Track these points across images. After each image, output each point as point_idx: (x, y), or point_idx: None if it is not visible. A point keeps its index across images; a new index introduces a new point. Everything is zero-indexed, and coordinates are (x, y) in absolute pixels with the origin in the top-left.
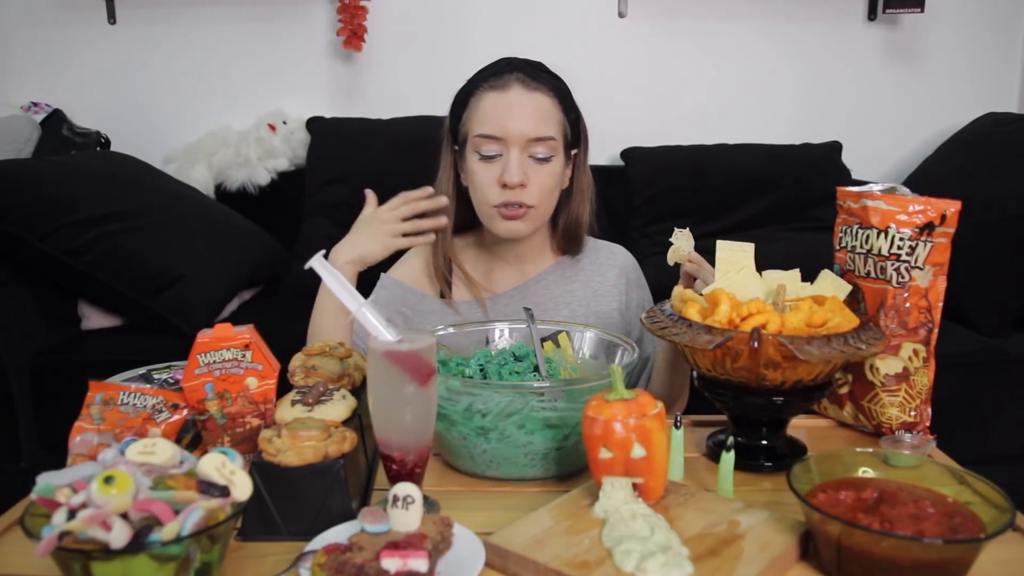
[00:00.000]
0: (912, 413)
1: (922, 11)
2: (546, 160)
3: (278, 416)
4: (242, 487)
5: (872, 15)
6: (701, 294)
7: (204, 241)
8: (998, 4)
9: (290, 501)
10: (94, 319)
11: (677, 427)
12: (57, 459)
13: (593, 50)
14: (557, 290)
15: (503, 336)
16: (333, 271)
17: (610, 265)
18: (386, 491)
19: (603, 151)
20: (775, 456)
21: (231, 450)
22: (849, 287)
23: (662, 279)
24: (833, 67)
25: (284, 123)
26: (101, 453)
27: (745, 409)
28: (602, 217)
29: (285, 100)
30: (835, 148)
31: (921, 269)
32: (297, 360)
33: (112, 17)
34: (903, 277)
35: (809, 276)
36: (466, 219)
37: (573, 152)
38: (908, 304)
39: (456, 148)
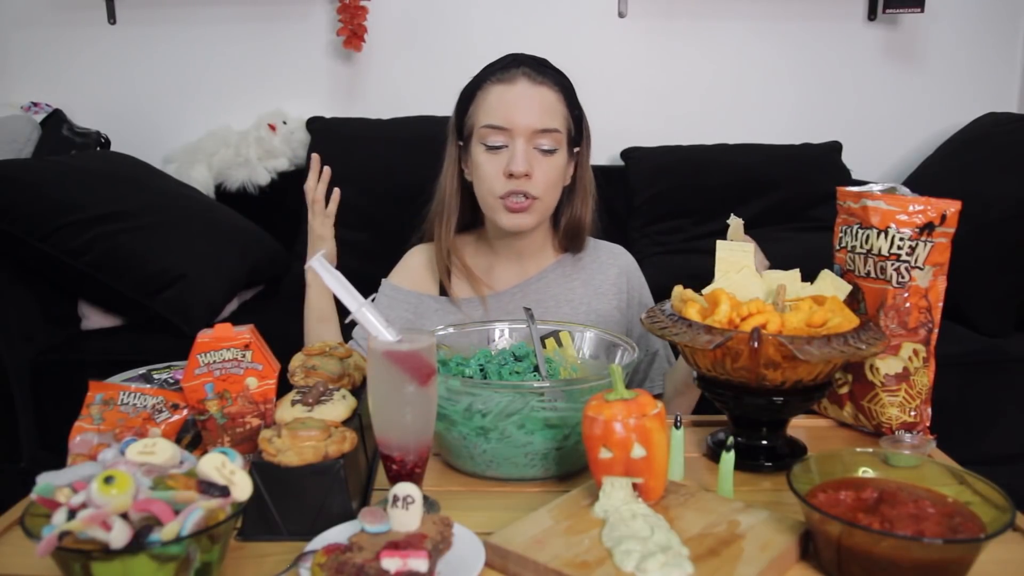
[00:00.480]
0: (912, 413)
1: (922, 11)
2: (551, 152)
3: (278, 416)
4: (242, 487)
5: (872, 15)
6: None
7: (204, 241)
8: (998, 4)
9: (290, 501)
10: (94, 319)
11: (677, 427)
12: (57, 459)
13: (593, 50)
14: (558, 288)
15: (503, 336)
16: (333, 271)
17: (611, 264)
18: (386, 491)
19: (603, 151)
20: (775, 456)
21: (231, 450)
22: (849, 287)
23: (662, 279)
24: (833, 67)
25: (284, 123)
26: (101, 453)
27: (745, 409)
28: (602, 217)
29: (285, 100)
30: (835, 148)
31: (921, 269)
32: (297, 360)
33: (112, 17)
34: (903, 277)
35: (809, 276)
36: (467, 218)
37: (576, 149)
38: (908, 304)
39: (460, 144)
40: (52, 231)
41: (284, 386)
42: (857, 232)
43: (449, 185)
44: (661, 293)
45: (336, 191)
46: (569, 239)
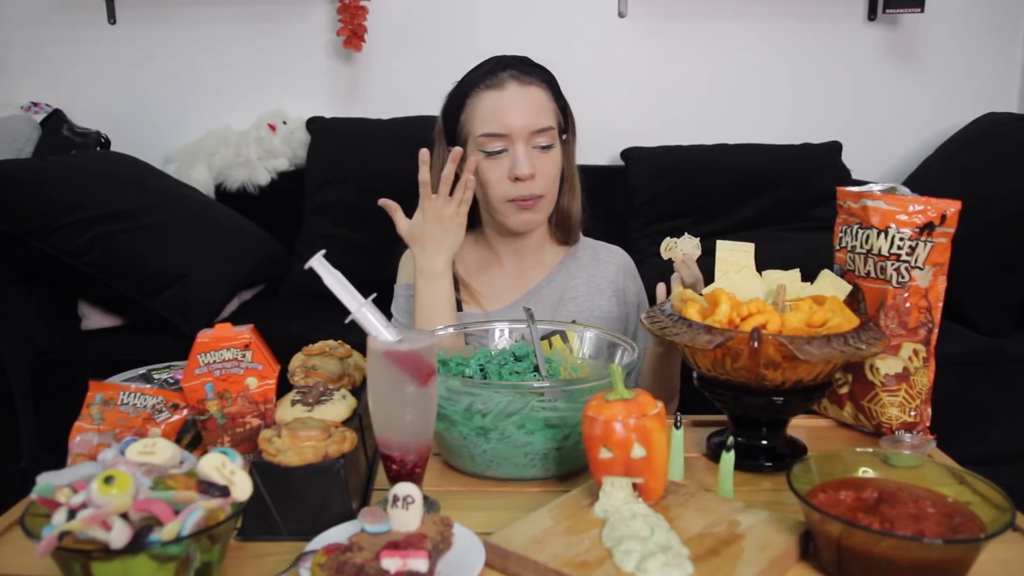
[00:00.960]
0: (912, 413)
1: (922, 11)
2: (548, 149)
3: (278, 416)
4: (242, 487)
5: (872, 15)
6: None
7: (204, 241)
8: (998, 4)
9: (290, 501)
10: (94, 319)
11: (677, 427)
12: (57, 459)
13: (593, 50)
14: (562, 288)
15: (503, 336)
16: (333, 271)
17: (609, 261)
18: (386, 491)
19: (603, 151)
20: (775, 456)
21: (231, 450)
22: (849, 287)
23: (662, 279)
24: (833, 67)
25: (284, 123)
26: (101, 453)
27: (745, 409)
28: (602, 217)
29: (285, 100)
30: (835, 148)
31: (921, 269)
32: (297, 360)
33: (112, 17)
34: (903, 277)
35: (809, 276)
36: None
37: (563, 137)
38: (908, 304)
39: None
40: (52, 231)
41: (284, 386)
42: (857, 232)
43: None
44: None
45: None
46: (561, 230)
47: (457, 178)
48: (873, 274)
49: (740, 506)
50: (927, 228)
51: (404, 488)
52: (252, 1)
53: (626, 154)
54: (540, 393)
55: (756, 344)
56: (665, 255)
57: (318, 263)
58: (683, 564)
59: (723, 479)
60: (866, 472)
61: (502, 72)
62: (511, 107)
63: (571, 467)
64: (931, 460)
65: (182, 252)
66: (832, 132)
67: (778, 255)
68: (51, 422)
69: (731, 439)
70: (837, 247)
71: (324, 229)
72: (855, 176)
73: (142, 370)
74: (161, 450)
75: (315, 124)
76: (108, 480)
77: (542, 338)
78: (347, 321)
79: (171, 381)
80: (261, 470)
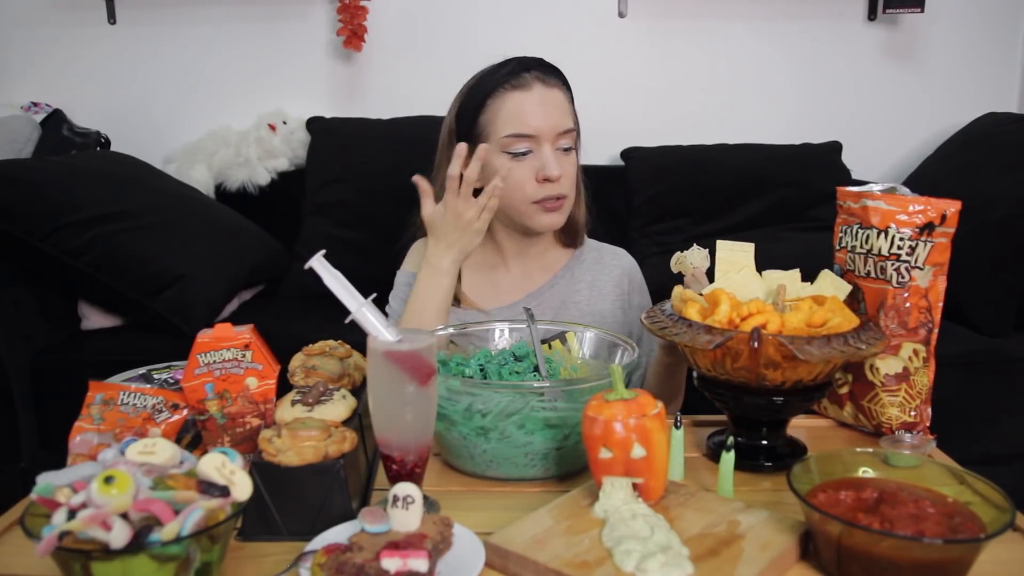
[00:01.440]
0: (912, 413)
1: (922, 11)
2: (570, 151)
3: (278, 416)
4: (242, 487)
5: (872, 15)
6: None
7: (204, 241)
8: (998, 4)
9: (290, 501)
10: (94, 319)
11: (677, 427)
12: (57, 459)
13: (593, 50)
14: (566, 292)
15: (503, 336)
16: (333, 271)
17: (614, 265)
18: (386, 491)
19: (603, 151)
20: (775, 456)
21: (231, 450)
22: (849, 287)
23: (662, 279)
24: (833, 67)
25: (284, 123)
26: (101, 453)
27: (745, 409)
28: (602, 217)
29: (285, 100)
30: (835, 148)
31: (921, 269)
32: (297, 360)
33: (112, 17)
34: (903, 277)
35: (809, 276)
36: None
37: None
38: (908, 304)
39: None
40: (52, 231)
41: (284, 386)
42: (857, 232)
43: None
44: (661, 293)
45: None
46: (567, 233)
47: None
48: (873, 274)
49: (740, 506)
50: (927, 228)
51: (404, 488)
52: (252, 1)
53: (626, 154)
54: (540, 393)
55: (756, 344)
56: (675, 269)
57: (318, 263)
58: (683, 564)
59: (723, 479)
60: (866, 472)
61: (526, 73)
62: (538, 108)
63: (571, 467)
64: (931, 460)
65: (182, 252)
66: (832, 132)
67: (778, 255)
68: (51, 422)
69: (731, 439)
70: (837, 247)
71: (324, 229)
72: (855, 176)
73: (142, 370)
74: (161, 450)
75: (315, 124)
76: (108, 480)
77: (543, 341)
78: (347, 321)
79: (171, 381)
80: (261, 470)
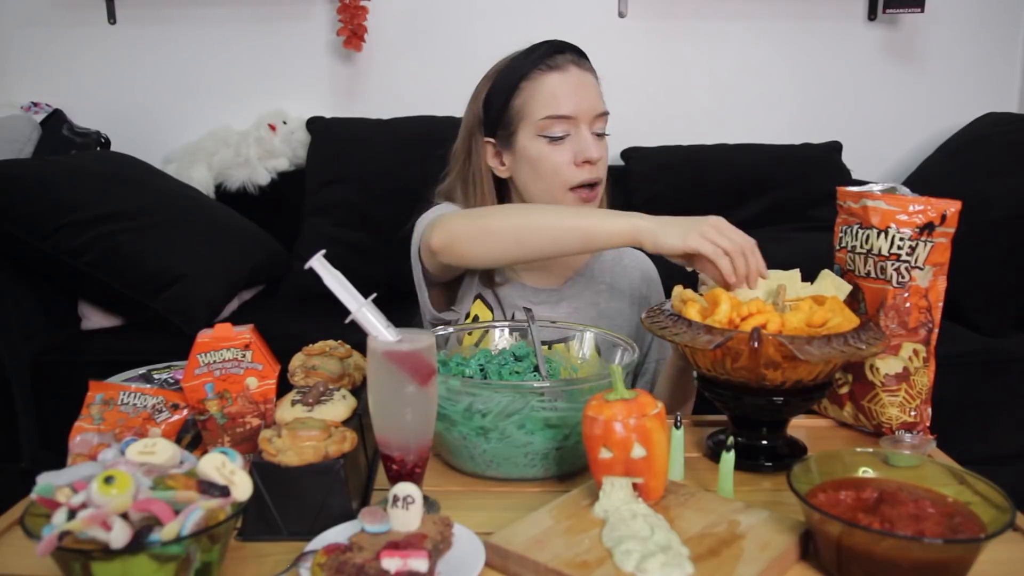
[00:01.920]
0: (912, 413)
1: (922, 11)
2: (604, 136)
3: (278, 416)
4: (242, 487)
5: (872, 15)
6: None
7: (204, 241)
8: (998, 4)
9: (290, 501)
10: (94, 319)
11: (677, 427)
12: (57, 459)
13: (593, 50)
14: (587, 291)
15: (503, 336)
16: (333, 271)
17: (635, 268)
18: (386, 491)
19: None
20: (775, 456)
21: (231, 450)
22: (849, 287)
23: (662, 279)
24: (833, 67)
25: (284, 123)
26: (101, 453)
27: (745, 409)
28: None
29: (285, 100)
30: (835, 148)
31: (921, 269)
32: (297, 360)
33: (112, 17)
34: (903, 277)
35: (809, 276)
36: None
37: None
38: (908, 304)
39: (493, 139)
40: (52, 231)
41: (284, 386)
42: (857, 232)
43: (476, 180)
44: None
45: None
46: None
47: None
48: (873, 274)
49: (740, 506)
50: (927, 228)
51: (404, 488)
52: (252, 1)
53: (626, 154)
54: (540, 393)
55: (756, 344)
56: (690, 267)
57: (318, 263)
58: (683, 564)
59: (723, 479)
60: (866, 472)
61: (560, 55)
62: (575, 89)
63: (571, 467)
64: (931, 460)
65: (182, 252)
66: (832, 132)
67: (778, 255)
68: (51, 422)
69: (731, 439)
70: (837, 247)
71: (324, 229)
72: (855, 176)
73: (142, 370)
74: (161, 450)
75: (315, 124)
76: (108, 480)
77: (547, 344)
78: (347, 321)
79: (171, 381)
80: (261, 470)
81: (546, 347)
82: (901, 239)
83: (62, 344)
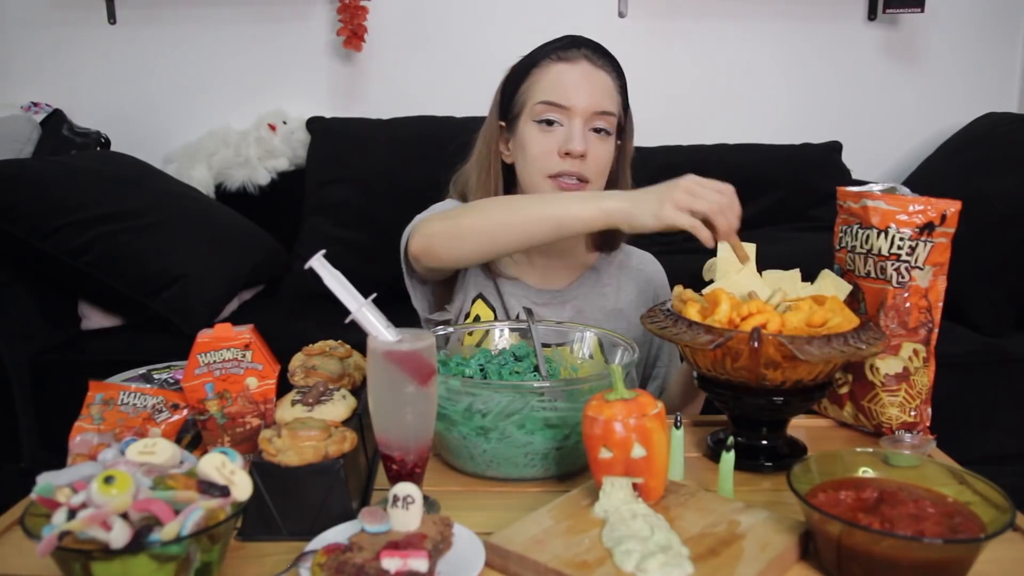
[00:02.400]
0: (912, 413)
1: (922, 11)
2: (606, 136)
3: (278, 416)
4: (242, 487)
5: (872, 15)
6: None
7: (204, 241)
8: (998, 4)
9: (290, 501)
10: (94, 319)
11: (677, 427)
12: (57, 459)
13: None
14: (593, 293)
15: (503, 336)
16: (333, 271)
17: (640, 270)
18: (386, 491)
19: None
20: (775, 456)
21: (231, 450)
22: (849, 287)
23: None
24: (833, 67)
25: (284, 123)
26: (101, 453)
27: (745, 409)
28: None
29: (285, 100)
30: (835, 148)
31: (921, 269)
32: (297, 360)
33: (112, 17)
34: (903, 277)
35: (809, 276)
36: None
37: (618, 143)
38: (908, 304)
39: (503, 124)
40: (52, 231)
41: (284, 386)
42: (857, 232)
43: (484, 167)
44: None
45: None
46: (604, 237)
47: None
48: (873, 274)
49: (740, 506)
50: (927, 228)
51: (404, 488)
52: (252, 1)
53: None
54: (540, 393)
55: (756, 344)
56: (707, 276)
57: (318, 263)
58: (683, 564)
59: (723, 479)
60: (866, 472)
61: (576, 49)
62: (579, 82)
63: (571, 467)
64: (931, 460)
65: (182, 252)
66: (832, 132)
67: (778, 255)
68: (51, 422)
69: (731, 439)
70: (837, 247)
71: (324, 229)
72: (855, 176)
73: (142, 370)
74: (161, 450)
75: (315, 124)
76: (108, 480)
77: (548, 345)
78: (347, 321)
79: (171, 381)
80: (261, 470)
81: (548, 349)
82: (901, 239)
83: (62, 344)
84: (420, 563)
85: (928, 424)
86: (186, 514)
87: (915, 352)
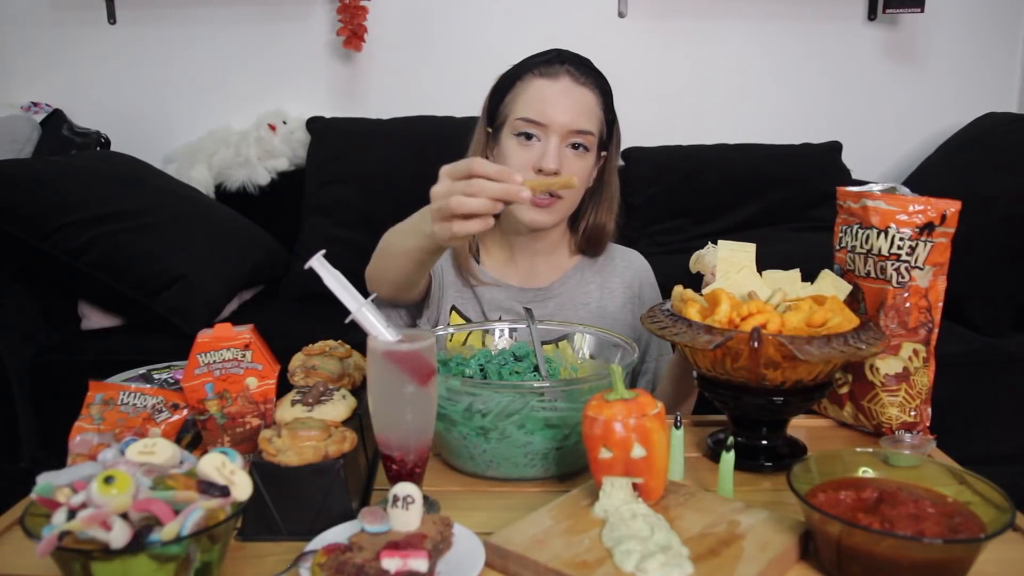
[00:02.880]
0: (912, 413)
1: (922, 11)
2: (582, 153)
3: (278, 416)
4: (242, 487)
5: (872, 15)
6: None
7: (204, 241)
8: (998, 4)
9: (290, 501)
10: (94, 319)
11: (677, 427)
12: (57, 459)
13: (593, 50)
14: (576, 292)
15: (503, 336)
16: (333, 271)
17: (624, 266)
18: (386, 491)
19: None
20: (775, 456)
21: (231, 450)
22: (849, 287)
23: (662, 279)
24: (833, 67)
25: (284, 123)
26: (101, 453)
27: (745, 409)
28: None
29: (285, 100)
30: (835, 148)
31: (921, 269)
32: (297, 360)
33: (112, 17)
34: (903, 277)
35: (809, 276)
36: None
37: (603, 153)
38: (908, 304)
39: (489, 131)
40: (52, 231)
41: (284, 386)
42: (857, 232)
43: None
44: (663, 293)
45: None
46: (588, 243)
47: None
48: (873, 274)
49: (740, 506)
50: (927, 228)
51: (404, 488)
52: (252, 2)
53: (626, 154)
54: (540, 393)
55: (756, 344)
56: (694, 269)
57: (318, 263)
58: (683, 564)
59: (723, 479)
60: (866, 472)
61: (559, 64)
62: (558, 100)
63: (571, 467)
64: (931, 460)
65: (182, 252)
66: (832, 132)
67: (778, 255)
68: (51, 422)
69: (731, 439)
70: (837, 247)
71: (324, 229)
72: (855, 176)
73: (142, 370)
74: (161, 450)
75: (315, 124)
76: (108, 480)
77: (546, 343)
78: (347, 321)
79: (171, 381)
80: (261, 470)
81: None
82: (901, 239)
83: (62, 344)
84: (420, 563)
85: (928, 424)
86: (186, 514)
87: (915, 352)
